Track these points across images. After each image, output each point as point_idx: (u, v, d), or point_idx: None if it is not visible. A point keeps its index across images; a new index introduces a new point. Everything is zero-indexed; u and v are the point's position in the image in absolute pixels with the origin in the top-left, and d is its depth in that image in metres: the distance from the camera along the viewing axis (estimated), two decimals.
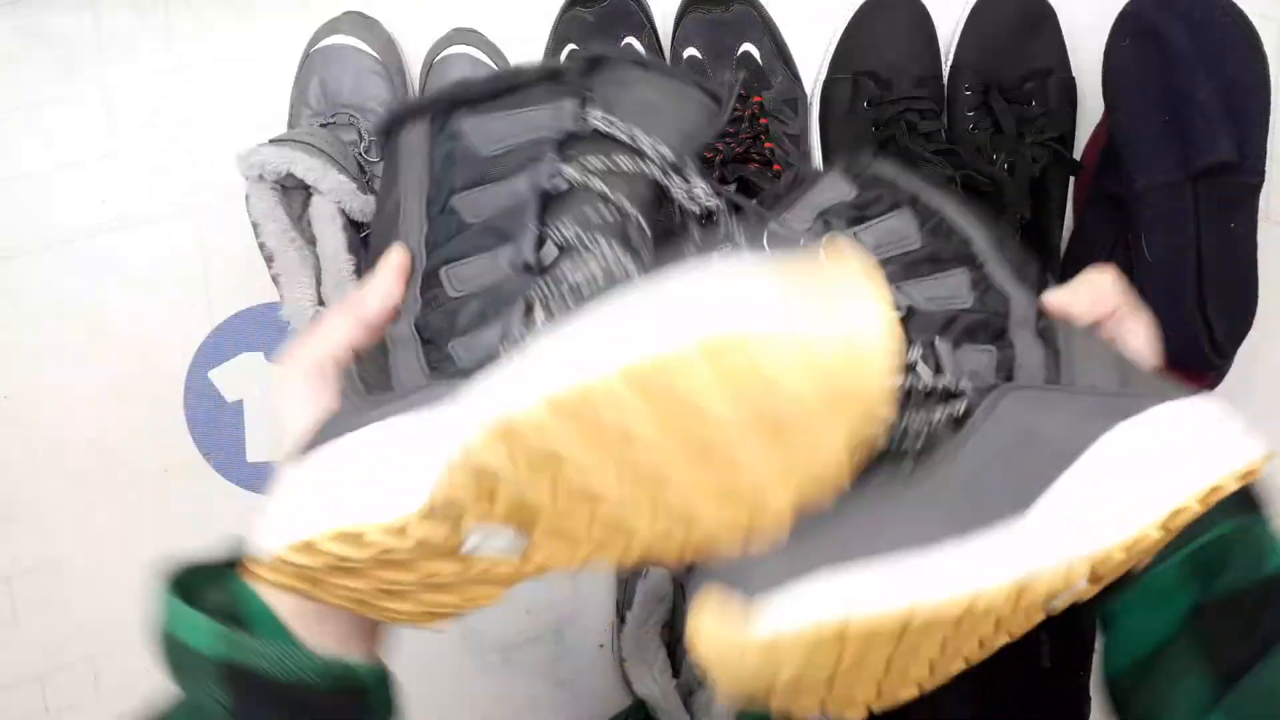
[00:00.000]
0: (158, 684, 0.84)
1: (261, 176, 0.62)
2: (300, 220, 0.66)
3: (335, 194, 0.64)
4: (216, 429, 0.80)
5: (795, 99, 0.75)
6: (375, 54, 0.74)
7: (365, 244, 0.68)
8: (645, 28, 0.74)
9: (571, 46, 0.73)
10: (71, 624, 0.80)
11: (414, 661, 0.80)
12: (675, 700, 0.64)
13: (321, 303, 0.66)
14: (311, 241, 0.66)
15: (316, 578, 0.33)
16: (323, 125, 0.72)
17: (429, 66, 0.75)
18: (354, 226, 0.67)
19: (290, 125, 0.75)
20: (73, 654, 0.81)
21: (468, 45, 0.74)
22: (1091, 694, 0.70)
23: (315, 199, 0.64)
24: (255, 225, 0.64)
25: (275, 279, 0.65)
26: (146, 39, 0.79)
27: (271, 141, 0.64)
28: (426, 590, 0.35)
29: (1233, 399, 0.78)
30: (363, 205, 0.66)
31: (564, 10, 0.74)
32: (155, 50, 0.78)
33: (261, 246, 0.64)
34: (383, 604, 0.35)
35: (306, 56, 0.75)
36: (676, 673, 0.65)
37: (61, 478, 0.80)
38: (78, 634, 0.80)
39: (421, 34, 0.78)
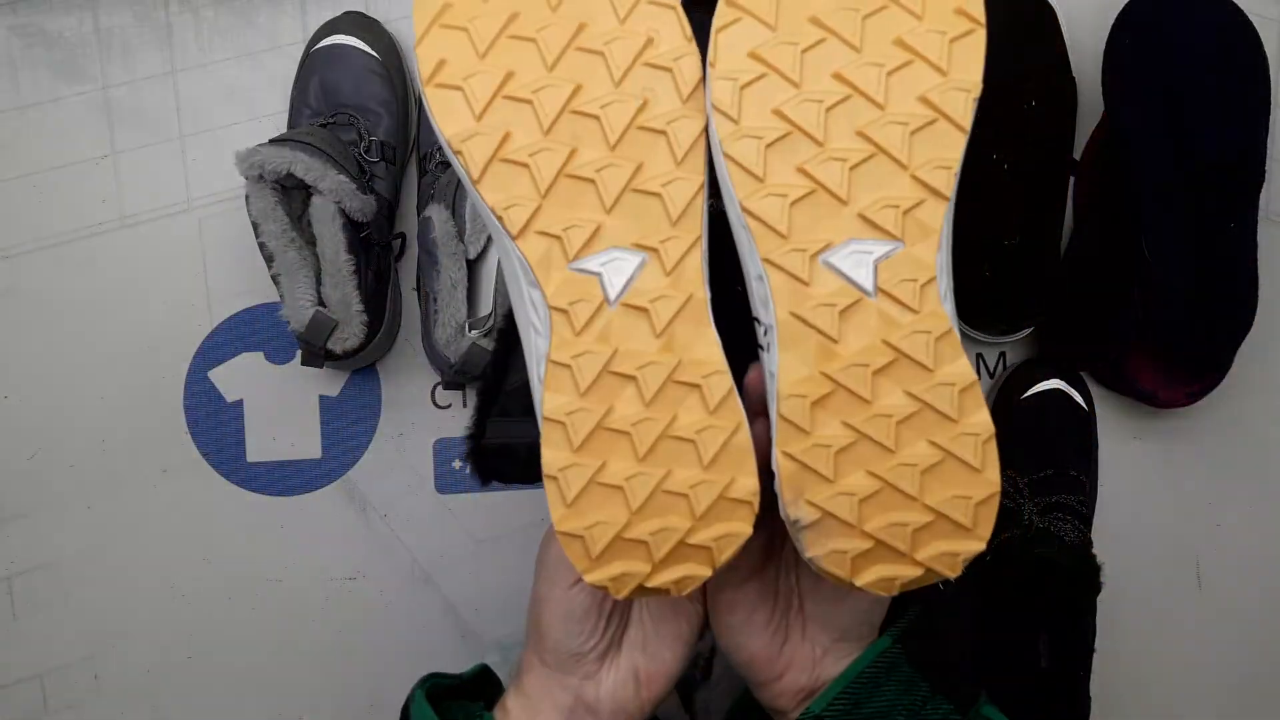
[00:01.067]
0: (158, 684, 0.84)
1: (261, 176, 0.62)
2: (300, 220, 0.66)
3: (335, 194, 0.64)
4: (216, 429, 0.80)
5: None
6: (376, 54, 0.74)
7: (365, 244, 0.68)
8: None
9: None
10: (71, 624, 0.80)
11: (415, 661, 0.80)
12: (675, 700, 0.64)
13: (322, 303, 0.65)
14: (311, 242, 0.66)
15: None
16: (323, 125, 0.72)
17: None
18: (353, 226, 0.67)
19: (290, 125, 0.75)
20: (73, 654, 0.80)
21: None
22: (1091, 694, 0.70)
23: (315, 199, 0.64)
24: (255, 225, 0.63)
25: (275, 279, 0.65)
26: (146, 39, 0.79)
27: (271, 141, 0.64)
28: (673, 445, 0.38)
29: (1233, 399, 0.78)
30: (362, 205, 0.66)
31: None
32: (155, 50, 0.78)
33: (261, 247, 0.64)
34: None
35: (307, 56, 0.75)
36: None
37: (61, 478, 0.80)
38: (78, 634, 0.80)
39: (413, 35, 0.78)
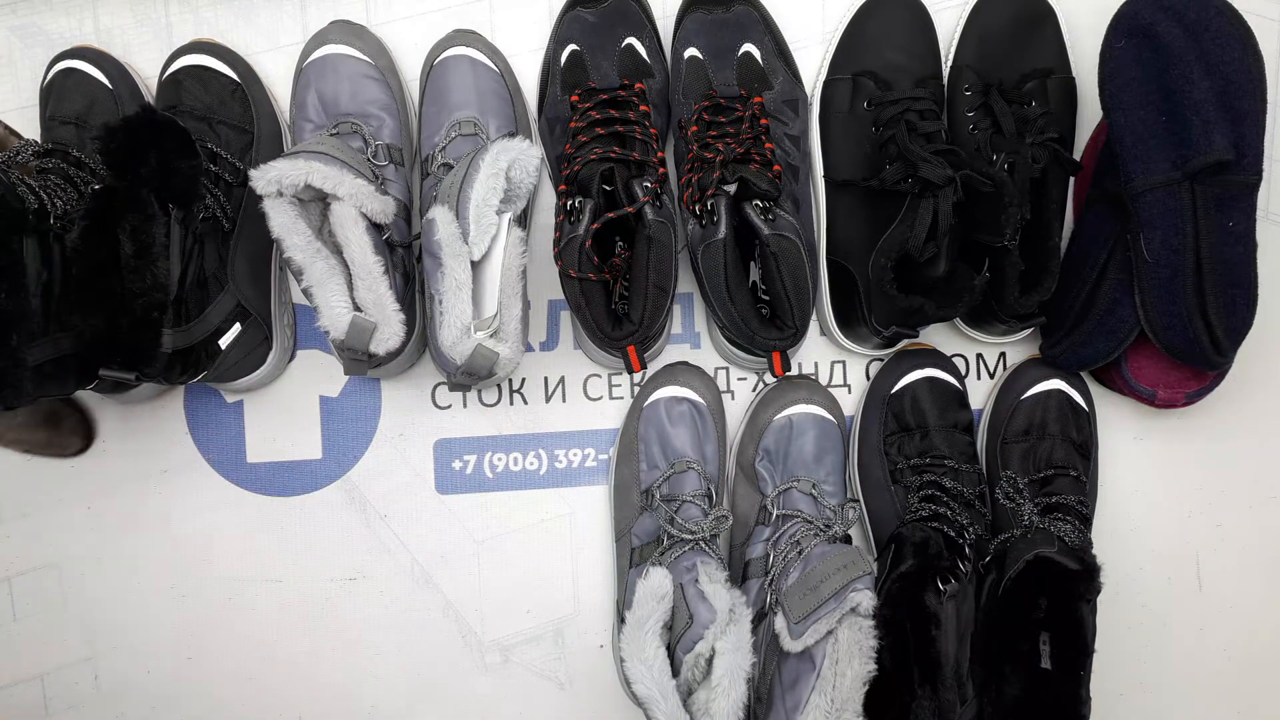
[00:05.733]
0: (158, 684, 0.84)
1: (280, 192, 0.62)
2: (321, 231, 0.66)
3: (355, 198, 0.63)
4: (216, 429, 0.80)
5: (796, 100, 0.75)
6: (368, 59, 0.74)
7: (389, 245, 0.68)
8: (646, 28, 0.75)
9: (573, 47, 0.73)
10: (71, 624, 0.80)
11: (415, 661, 0.80)
12: (675, 700, 0.64)
13: (357, 308, 0.65)
14: (335, 250, 0.65)
15: None
16: (330, 135, 0.71)
17: (429, 68, 0.75)
18: (375, 229, 0.66)
19: (293, 142, 0.75)
20: (73, 654, 0.80)
21: (467, 47, 0.74)
22: (1091, 694, 0.70)
23: (335, 206, 0.64)
24: (278, 241, 0.63)
25: (307, 292, 0.64)
26: (146, 39, 0.79)
27: (284, 155, 0.64)
28: None
29: (1233, 399, 0.78)
30: (382, 206, 0.65)
31: (565, 10, 0.74)
32: (155, 51, 0.78)
33: (289, 262, 0.64)
34: None
35: (300, 72, 0.75)
36: (676, 673, 0.65)
37: (61, 478, 0.80)
38: (78, 634, 0.80)
39: (415, 36, 0.78)
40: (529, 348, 0.80)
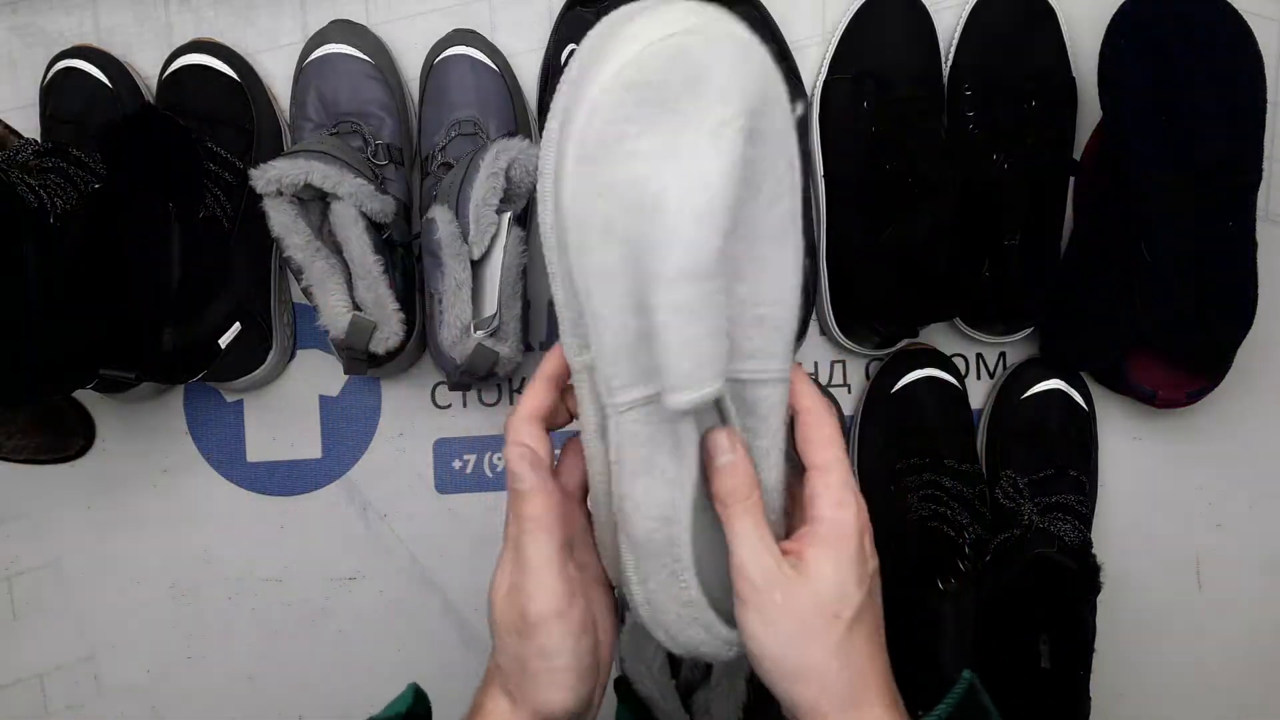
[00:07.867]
0: (158, 684, 0.84)
1: (279, 191, 0.62)
2: (320, 231, 0.66)
3: (355, 198, 0.63)
4: (216, 429, 0.80)
5: (796, 99, 0.75)
6: (368, 58, 0.74)
7: (389, 245, 0.68)
8: None
9: (572, 46, 0.73)
10: (71, 624, 0.80)
11: (415, 661, 0.80)
12: (675, 700, 0.64)
13: (357, 307, 0.65)
14: (335, 250, 0.66)
15: None
16: (330, 134, 0.71)
17: (429, 67, 0.75)
18: (375, 229, 0.66)
19: (292, 141, 0.75)
20: (73, 654, 0.80)
21: (467, 46, 0.74)
22: (1091, 694, 0.70)
23: (335, 205, 0.64)
24: (278, 240, 0.63)
25: (307, 291, 0.65)
26: (146, 39, 0.79)
27: (284, 155, 0.64)
28: None
29: (1233, 399, 0.78)
30: (382, 206, 0.65)
31: (565, 10, 0.74)
32: (155, 50, 0.78)
33: (288, 261, 0.64)
34: None
35: (300, 70, 0.75)
36: (676, 673, 0.65)
37: (61, 478, 0.80)
38: (78, 634, 0.80)
39: (415, 35, 0.78)
40: (529, 347, 0.80)
